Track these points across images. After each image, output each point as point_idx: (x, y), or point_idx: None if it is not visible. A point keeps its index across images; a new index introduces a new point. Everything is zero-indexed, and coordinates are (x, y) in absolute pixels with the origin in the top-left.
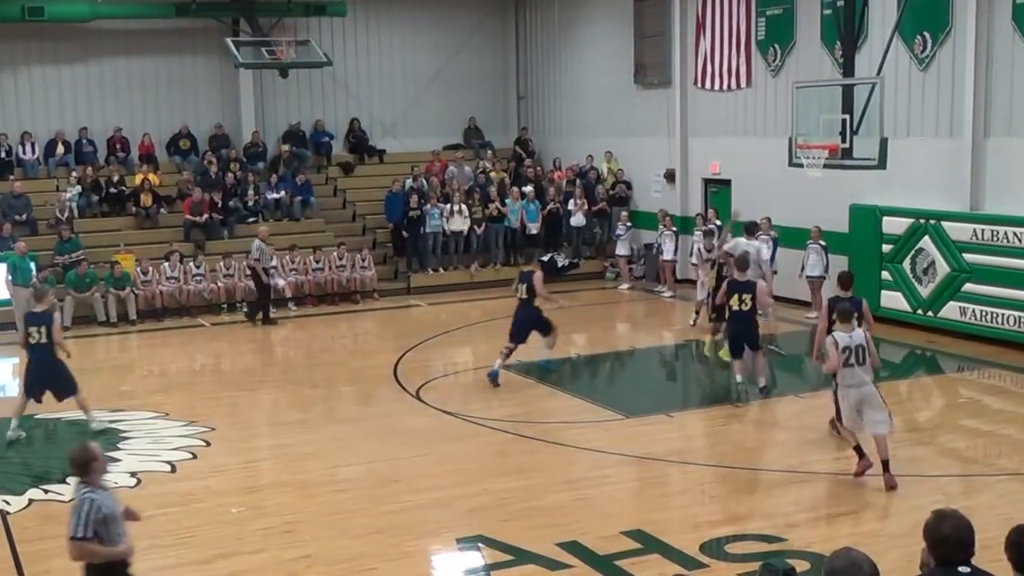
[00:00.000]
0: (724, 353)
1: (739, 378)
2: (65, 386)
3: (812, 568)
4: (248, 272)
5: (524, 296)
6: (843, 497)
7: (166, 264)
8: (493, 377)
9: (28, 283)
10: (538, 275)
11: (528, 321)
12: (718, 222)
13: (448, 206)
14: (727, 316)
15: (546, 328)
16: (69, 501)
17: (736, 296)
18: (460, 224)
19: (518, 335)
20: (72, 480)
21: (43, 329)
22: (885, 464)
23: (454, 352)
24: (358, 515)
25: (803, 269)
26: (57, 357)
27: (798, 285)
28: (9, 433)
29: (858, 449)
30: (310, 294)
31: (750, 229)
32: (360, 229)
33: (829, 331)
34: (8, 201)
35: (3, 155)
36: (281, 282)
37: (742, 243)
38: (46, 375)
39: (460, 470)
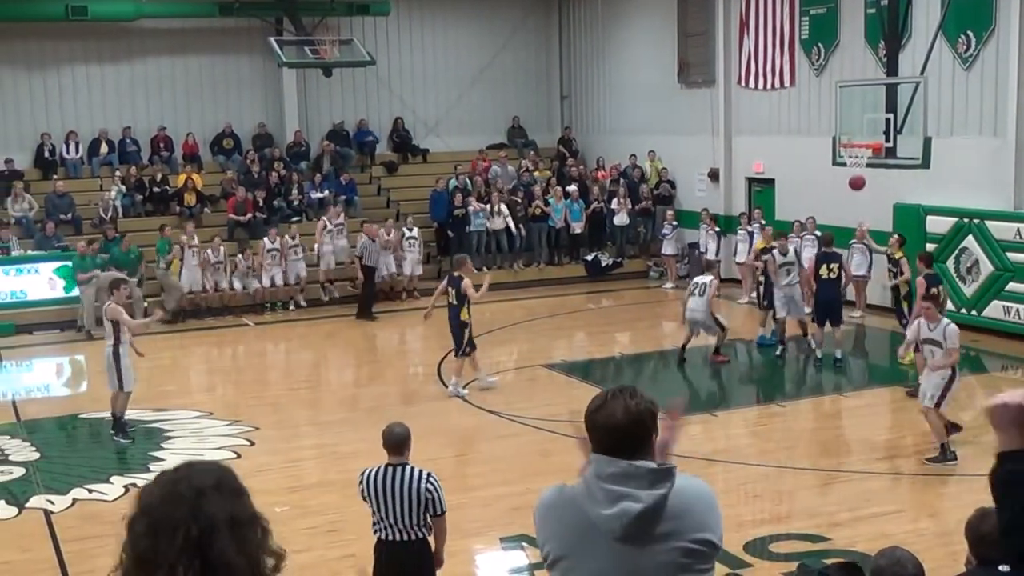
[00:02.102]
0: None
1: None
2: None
3: None
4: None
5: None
6: (887, 496)
7: (209, 251)
8: None
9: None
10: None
11: None
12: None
13: (488, 206)
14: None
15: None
16: (407, 481)
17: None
18: (500, 223)
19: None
20: (394, 460)
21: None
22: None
23: (497, 351)
24: None
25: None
26: (461, 319)
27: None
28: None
29: (683, 347)
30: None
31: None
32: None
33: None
34: (52, 201)
35: (47, 154)
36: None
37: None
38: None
39: (504, 469)
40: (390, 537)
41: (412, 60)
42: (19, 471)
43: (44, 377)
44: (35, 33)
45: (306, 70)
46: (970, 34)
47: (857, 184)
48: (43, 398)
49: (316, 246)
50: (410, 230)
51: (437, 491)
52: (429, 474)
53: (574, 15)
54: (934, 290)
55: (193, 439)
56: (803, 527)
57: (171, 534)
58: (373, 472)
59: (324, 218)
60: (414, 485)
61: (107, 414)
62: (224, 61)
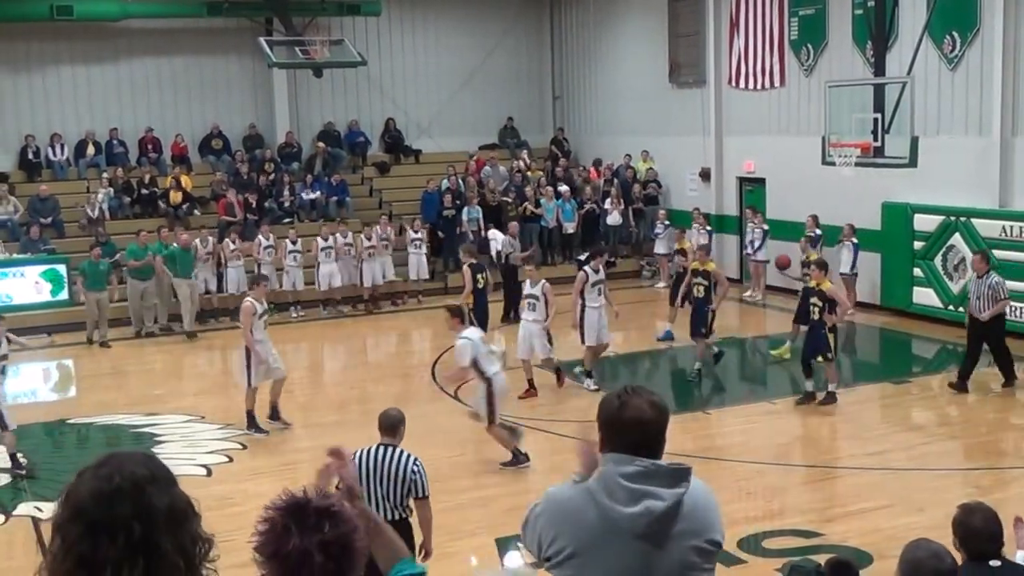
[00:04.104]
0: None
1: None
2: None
3: None
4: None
5: None
6: (877, 491)
7: (198, 241)
8: None
9: (104, 287)
10: None
11: None
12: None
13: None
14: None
15: None
16: (392, 461)
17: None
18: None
19: None
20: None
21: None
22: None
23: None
24: None
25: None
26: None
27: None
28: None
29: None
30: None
31: None
32: (396, 230)
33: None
34: (34, 204)
35: (31, 156)
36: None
37: None
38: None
39: (499, 470)
40: None
41: (404, 61)
42: (5, 478)
43: (31, 382)
44: (19, 33)
45: (296, 71)
46: (955, 35)
47: (783, 264)
48: (30, 403)
49: (315, 262)
50: (416, 232)
51: (421, 474)
52: (416, 459)
53: (566, 16)
54: None
55: (184, 443)
56: (796, 523)
57: (114, 534)
58: (366, 451)
59: (319, 237)
60: (401, 465)
61: (94, 419)
62: (213, 62)
